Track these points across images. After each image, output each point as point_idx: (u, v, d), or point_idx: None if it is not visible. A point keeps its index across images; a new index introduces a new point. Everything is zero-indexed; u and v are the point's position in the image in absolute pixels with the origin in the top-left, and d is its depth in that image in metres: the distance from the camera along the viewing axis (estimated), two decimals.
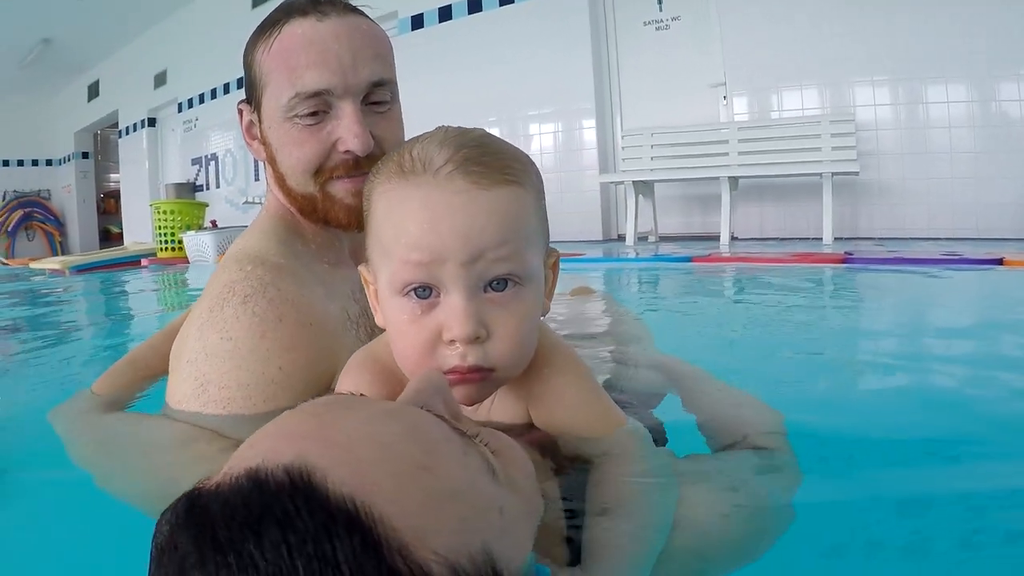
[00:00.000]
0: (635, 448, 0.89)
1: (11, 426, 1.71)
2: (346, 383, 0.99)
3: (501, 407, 0.96)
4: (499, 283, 0.84)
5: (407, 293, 0.85)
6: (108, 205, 19.13)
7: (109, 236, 18.70)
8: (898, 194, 6.67)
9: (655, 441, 1.01)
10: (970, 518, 0.99)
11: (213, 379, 1.21)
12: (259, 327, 1.23)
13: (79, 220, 18.42)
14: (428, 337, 0.84)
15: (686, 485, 0.86)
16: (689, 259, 5.09)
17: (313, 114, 1.28)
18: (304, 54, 1.27)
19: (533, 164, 0.92)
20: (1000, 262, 4.20)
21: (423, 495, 0.52)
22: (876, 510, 1.01)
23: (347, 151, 1.29)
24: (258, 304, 1.26)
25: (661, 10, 8.05)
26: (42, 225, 18.37)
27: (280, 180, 1.40)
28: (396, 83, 1.39)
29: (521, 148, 0.91)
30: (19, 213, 18.00)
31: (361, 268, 0.95)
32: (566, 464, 0.89)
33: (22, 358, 2.90)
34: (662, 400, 1.32)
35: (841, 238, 6.44)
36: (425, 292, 0.84)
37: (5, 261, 15.03)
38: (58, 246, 18.20)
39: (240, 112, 1.46)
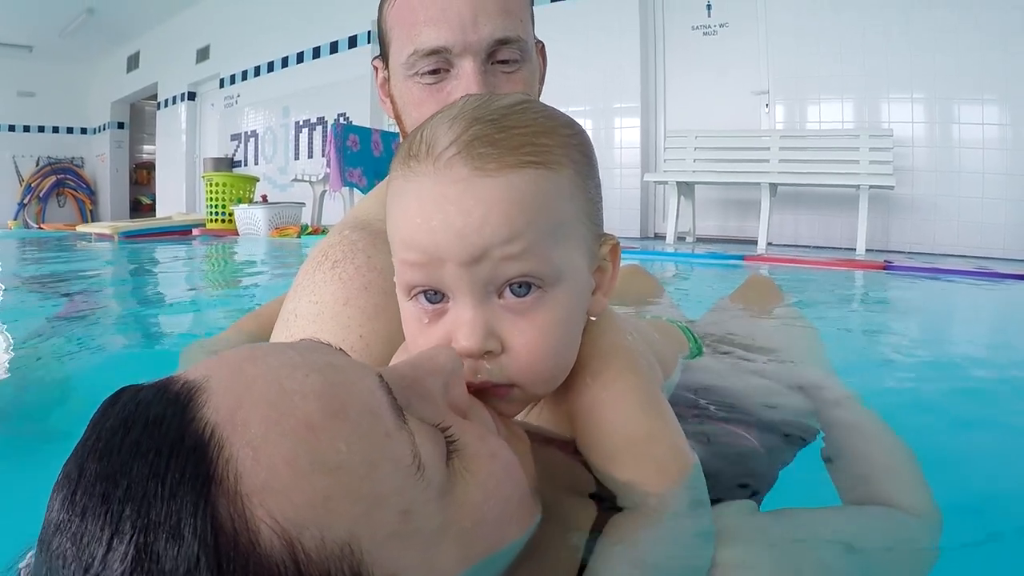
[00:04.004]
0: (667, 507, 0.72)
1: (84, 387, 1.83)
2: (400, 352, 0.89)
3: (548, 417, 0.85)
4: (520, 286, 0.71)
5: (415, 296, 0.75)
6: (140, 176, 19.27)
7: (140, 207, 18.86)
8: (929, 210, 6.83)
9: (739, 487, 0.90)
10: None
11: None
12: (343, 293, 1.22)
13: (111, 189, 18.56)
14: None
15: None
16: (741, 257, 5.33)
17: (434, 72, 1.24)
18: (424, 10, 1.22)
19: (578, 136, 0.79)
20: None
21: (290, 454, 0.48)
22: None
23: None
24: (345, 270, 1.25)
25: (710, 16, 8.22)
26: (74, 192, 18.53)
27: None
28: (529, 41, 1.30)
29: None
30: (52, 179, 18.15)
31: (393, 259, 0.80)
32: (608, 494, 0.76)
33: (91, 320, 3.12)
34: (810, 435, 1.12)
35: (872, 249, 6.59)
36: (436, 296, 0.73)
37: (41, 225, 15.27)
38: (88, 214, 18.36)
39: (375, 68, 1.42)
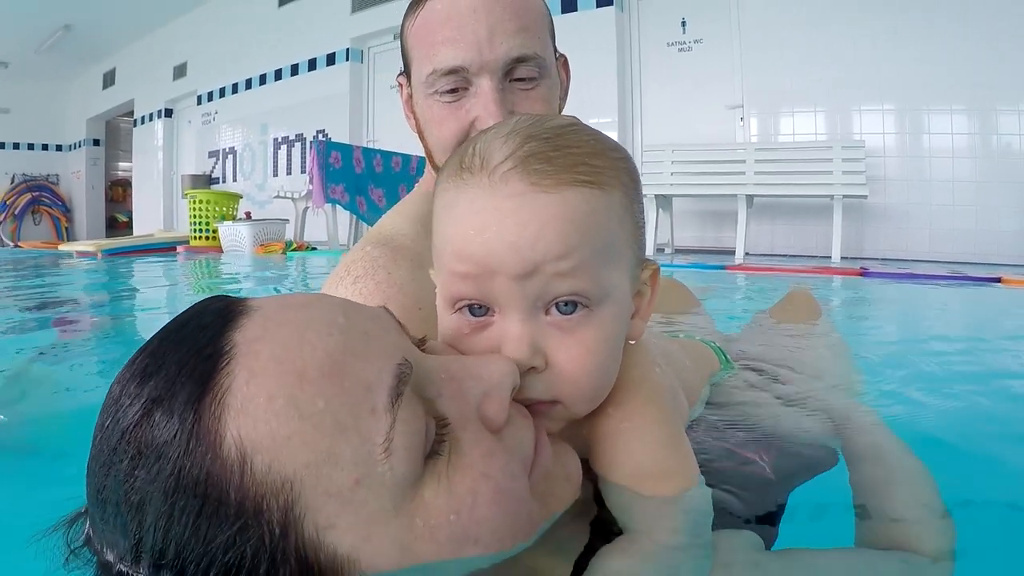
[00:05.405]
0: (668, 538, 0.71)
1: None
2: None
3: (567, 438, 0.81)
4: (566, 304, 0.71)
5: (459, 310, 0.75)
6: (115, 193, 19.18)
7: (115, 224, 18.76)
8: (902, 218, 7.03)
9: (747, 520, 0.87)
10: None
11: None
12: None
13: (87, 207, 18.49)
14: None
15: None
16: (723, 267, 5.49)
17: (453, 91, 1.24)
18: (441, 29, 1.22)
19: (626, 160, 0.79)
20: (999, 281, 4.68)
21: (274, 390, 0.55)
22: None
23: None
24: (366, 286, 1.26)
25: (684, 32, 8.40)
26: (49, 210, 18.39)
27: (429, 156, 1.38)
28: (548, 58, 1.30)
29: None
30: (27, 197, 18.02)
31: (431, 272, 0.82)
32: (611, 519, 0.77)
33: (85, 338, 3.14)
34: (829, 464, 1.10)
35: (847, 257, 6.75)
36: (481, 310, 0.74)
37: (17, 244, 15.15)
38: (64, 232, 18.24)
39: (400, 85, 1.43)
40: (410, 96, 1.37)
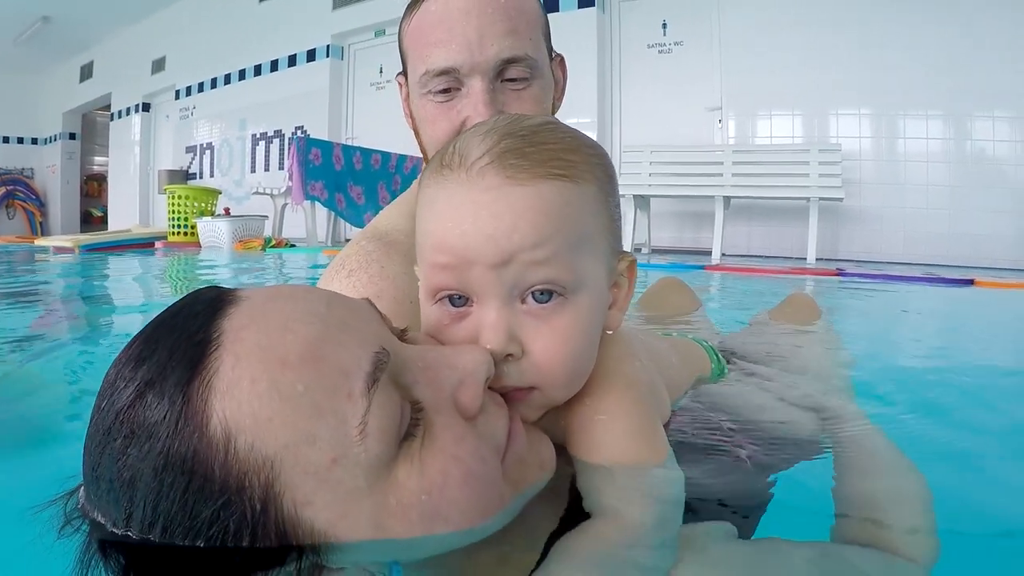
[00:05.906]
0: (636, 523, 0.72)
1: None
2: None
3: (546, 427, 0.83)
4: (542, 293, 0.74)
5: (440, 300, 0.78)
6: (90, 188, 19.04)
7: (90, 219, 18.60)
8: (876, 221, 7.14)
9: (723, 508, 0.89)
10: None
11: None
12: None
13: (62, 201, 18.34)
14: None
15: None
16: (702, 267, 5.54)
17: (445, 91, 1.27)
18: (433, 31, 1.26)
19: (601, 157, 0.82)
20: (972, 282, 4.78)
21: (257, 375, 0.58)
22: None
23: None
24: (360, 279, 1.31)
25: (665, 34, 8.47)
26: (23, 204, 18.22)
27: (424, 154, 1.40)
28: (540, 59, 1.32)
29: None
30: (1, 191, 17.85)
31: (416, 268, 0.84)
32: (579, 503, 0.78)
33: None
34: (812, 456, 1.10)
35: (822, 259, 6.83)
36: (460, 300, 0.76)
37: None
38: (38, 226, 18.08)
39: (400, 85, 1.45)
40: (408, 95, 1.41)
